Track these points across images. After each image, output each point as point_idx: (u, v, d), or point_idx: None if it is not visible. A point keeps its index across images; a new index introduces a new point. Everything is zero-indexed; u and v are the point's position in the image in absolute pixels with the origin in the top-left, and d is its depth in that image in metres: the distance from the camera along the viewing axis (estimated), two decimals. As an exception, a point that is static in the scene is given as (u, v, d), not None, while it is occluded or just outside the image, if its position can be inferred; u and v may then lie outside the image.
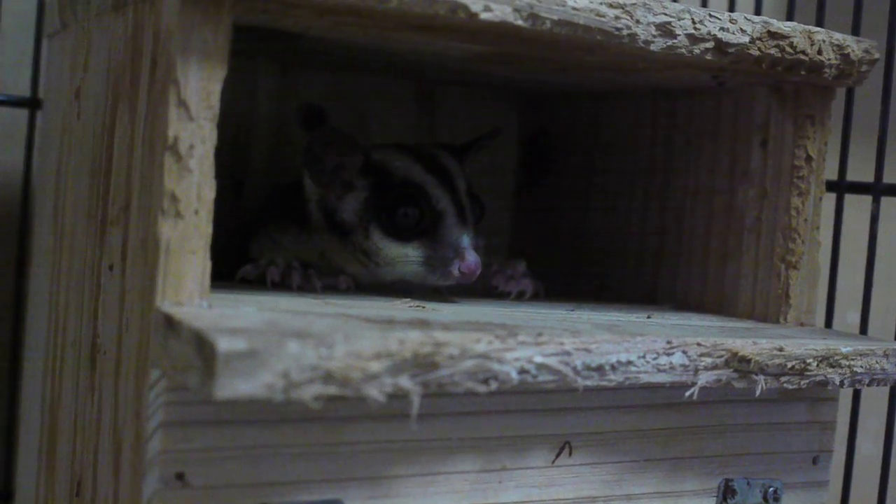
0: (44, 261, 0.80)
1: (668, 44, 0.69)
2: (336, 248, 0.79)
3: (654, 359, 0.63)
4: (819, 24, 0.88)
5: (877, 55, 0.76)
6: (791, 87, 0.78)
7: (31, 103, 0.90)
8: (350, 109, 0.95)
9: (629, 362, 0.62)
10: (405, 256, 0.77)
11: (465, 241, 0.77)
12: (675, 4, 0.69)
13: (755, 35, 0.72)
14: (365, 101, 0.96)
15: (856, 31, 0.86)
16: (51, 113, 0.83)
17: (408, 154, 0.80)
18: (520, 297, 0.82)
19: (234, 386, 0.51)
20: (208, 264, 0.60)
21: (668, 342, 0.63)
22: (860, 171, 0.91)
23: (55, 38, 0.82)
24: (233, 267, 0.77)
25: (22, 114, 0.91)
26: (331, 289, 0.77)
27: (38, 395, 0.79)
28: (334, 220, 0.78)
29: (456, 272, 0.76)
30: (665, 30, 0.69)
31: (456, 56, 0.75)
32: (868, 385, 0.70)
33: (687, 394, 0.64)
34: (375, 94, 0.96)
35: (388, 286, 0.80)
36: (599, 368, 0.61)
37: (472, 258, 0.76)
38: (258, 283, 0.76)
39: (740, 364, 0.65)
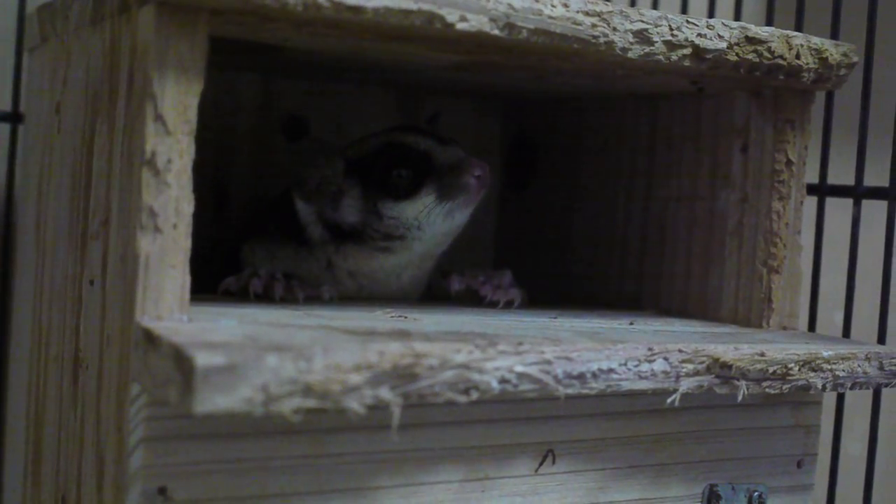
0: (27, 275, 0.80)
1: (646, 51, 0.69)
2: (353, 252, 0.79)
3: (636, 366, 0.63)
4: (798, 27, 0.88)
5: (855, 59, 0.76)
6: (770, 91, 0.78)
7: (13, 117, 0.90)
8: (333, 118, 0.95)
9: (610, 370, 0.62)
10: (424, 206, 0.77)
11: (460, 153, 0.78)
12: (652, 12, 0.69)
13: (733, 41, 0.72)
14: (347, 110, 0.96)
15: (835, 34, 0.86)
16: (32, 127, 0.83)
17: (370, 135, 0.82)
18: (508, 307, 0.82)
19: (213, 400, 0.51)
20: (188, 278, 0.60)
21: (650, 349, 0.63)
22: (841, 174, 0.91)
23: (35, 52, 0.82)
24: (216, 277, 0.77)
25: (4, 128, 0.90)
26: (313, 299, 0.77)
27: (23, 409, 0.79)
28: (342, 230, 0.79)
29: (472, 181, 0.77)
30: (642, 37, 0.69)
31: (436, 65, 0.75)
32: (850, 388, 0.70)
33: (669, 400, 0.64)
34: (358, 103, 0.96)
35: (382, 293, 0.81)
36: (580, 376, 0.61)
37: (475, 160, 0.77)
38: (241, 295, 0.76)
39: (722, 370, 0.65)
